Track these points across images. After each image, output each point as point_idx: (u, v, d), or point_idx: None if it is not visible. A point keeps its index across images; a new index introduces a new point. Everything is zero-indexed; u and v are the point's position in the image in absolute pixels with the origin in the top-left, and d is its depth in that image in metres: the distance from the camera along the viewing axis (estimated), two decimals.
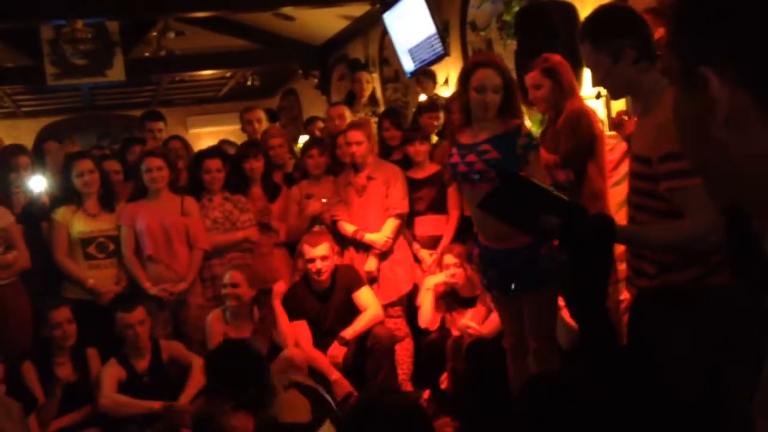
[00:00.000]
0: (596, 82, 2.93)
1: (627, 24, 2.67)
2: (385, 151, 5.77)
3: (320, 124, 7.39)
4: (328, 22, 9.45)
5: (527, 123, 4.34)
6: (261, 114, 6.59)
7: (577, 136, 4.07)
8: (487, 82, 3.60)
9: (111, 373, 4.39)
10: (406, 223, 5.24)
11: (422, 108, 5.96)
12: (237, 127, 7.53)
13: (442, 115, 5.69)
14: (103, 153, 7.06)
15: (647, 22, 2.72)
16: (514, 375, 3.86)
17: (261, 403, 3.02)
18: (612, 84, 2.74)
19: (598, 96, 4.91)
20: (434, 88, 7.16)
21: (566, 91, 4.19)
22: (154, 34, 9.87)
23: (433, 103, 5.92)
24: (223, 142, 7.91)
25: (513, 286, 3.64)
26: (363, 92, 7.54)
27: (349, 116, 6.25)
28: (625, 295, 3.67)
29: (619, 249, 3.04)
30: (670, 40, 0.85)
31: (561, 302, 4.34)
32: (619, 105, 4.79)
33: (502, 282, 3.70)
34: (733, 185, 0.84)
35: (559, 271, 3.69)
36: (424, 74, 7.27)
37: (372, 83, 7.82)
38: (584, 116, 4.13)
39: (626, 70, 2.61)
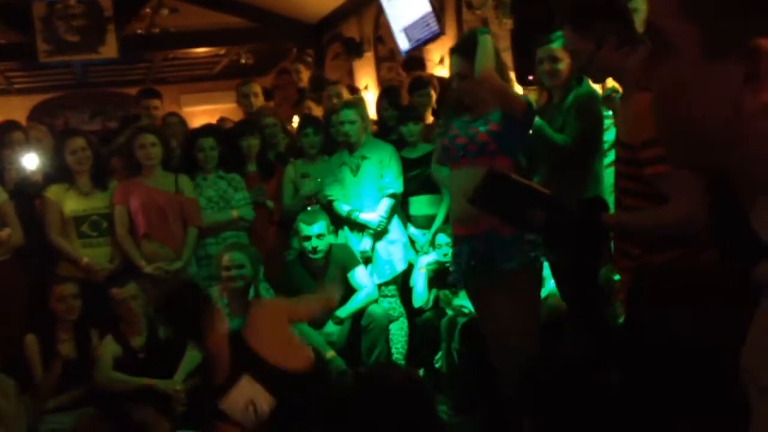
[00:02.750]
0: (577, 67, 2.93)
1: (609, 9, 2.67)
2: (384, 131, 5.75)
3: (310, 103, 7.33)
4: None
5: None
6: (257, 88, 6.50)
7: (587, 120, 4.07)
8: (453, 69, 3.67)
9: (107, 350, 4.39)
10: (401, 202, 5.24)
11: (411, 87, 5.93)
12: (231, 105, 7.48)
13: (432, 92, 5.67)
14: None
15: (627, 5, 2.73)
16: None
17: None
18: (594, 69, 2.74)
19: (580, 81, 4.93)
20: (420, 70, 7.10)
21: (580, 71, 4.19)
22: (148, 10, 9.80)
23: (422, 81, 5.87)
24: (222, 120, 7.85)
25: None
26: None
27: (346, 95, 6.21)
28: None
29: None
30: (688, 6, 0.82)
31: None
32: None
33: (476, 270, 3.63)
34: (729, 156, 0.83)
35: (549, 256, 3.68)
36: (408, 65, 7.25)
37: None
38: (594, 100, 4.13)
39: (609, 56, 2.61)
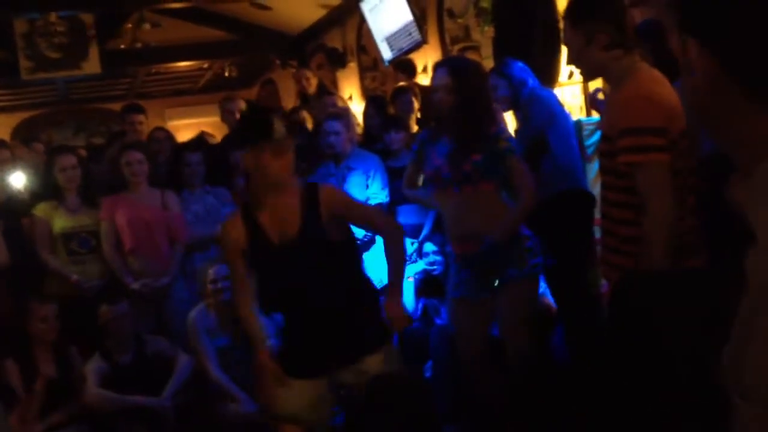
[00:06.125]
0: (570, 61, 2.98)
1: (604, 8, 2.69)
2: (371, 140, 5.75)
3: (305, 114, 7.32)
4: (305, 11, 9.42)
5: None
6: (241, 103, 6.51)
7: (529, 119, 4.23)
8: (436, 81, 3.63)
9: (95, 368, 4.36)
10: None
11: (392, 96, 5.94)
12: (216, 118, 7.48)
13: (414, 100, 5.68)
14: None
15: (627, 10, 2.75)
16: (488, 380, 3.74)
17: None
18: (582, 64, 2.77)
19: (571, 76, 4.96)
20: (409, 79, 7.10)
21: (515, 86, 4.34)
22: (130, 26, 9.78)
23: (404, 91, 5.87)
24: (203, 134, 7.84)
25: (496, 282, 3.58)
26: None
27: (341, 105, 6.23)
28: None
29: None
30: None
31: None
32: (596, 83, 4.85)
33: (478, 283, 3.63)
34: (719, 135, 0.97)
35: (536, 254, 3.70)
36: (402, 66, 7.21)
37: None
38: (536, 101, 4.28)
39: (597, 54, 2.63)
